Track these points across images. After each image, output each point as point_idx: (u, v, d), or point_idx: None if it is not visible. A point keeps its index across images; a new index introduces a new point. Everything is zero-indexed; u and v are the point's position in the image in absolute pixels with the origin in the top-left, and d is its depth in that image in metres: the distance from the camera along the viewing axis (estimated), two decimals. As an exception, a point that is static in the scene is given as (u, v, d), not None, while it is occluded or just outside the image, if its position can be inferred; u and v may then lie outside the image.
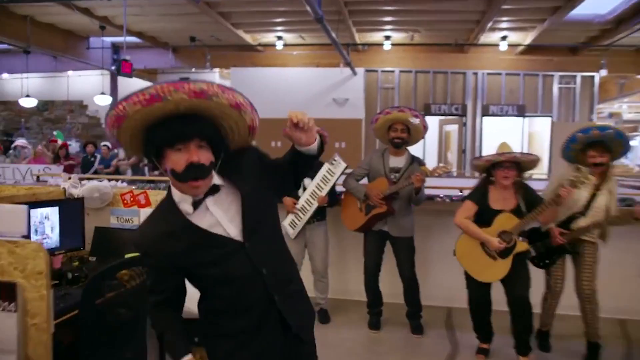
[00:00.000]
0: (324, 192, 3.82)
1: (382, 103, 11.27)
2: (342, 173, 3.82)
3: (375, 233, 3.76)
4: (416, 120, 3.60)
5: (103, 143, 9.91)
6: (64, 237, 2.61)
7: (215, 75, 13.23)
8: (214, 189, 1.43)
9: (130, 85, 13.78)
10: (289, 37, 10.82)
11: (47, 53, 10.80)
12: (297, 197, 3.93)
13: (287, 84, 11.20)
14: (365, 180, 3.86)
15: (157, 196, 3.03)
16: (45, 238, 2.50)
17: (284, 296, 1.50)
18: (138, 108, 1.26)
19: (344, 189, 3.92)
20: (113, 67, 10.39)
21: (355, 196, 3.76)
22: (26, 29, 9.36)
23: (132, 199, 3.07)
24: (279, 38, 10.62)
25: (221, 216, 1.43)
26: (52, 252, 2.55)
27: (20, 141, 9.72)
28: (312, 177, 3.93)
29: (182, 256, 1.42)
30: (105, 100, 11.35)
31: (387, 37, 10.36)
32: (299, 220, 3.90)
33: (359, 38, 10.45)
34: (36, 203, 2.50)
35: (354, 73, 10.95)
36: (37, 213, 2.46)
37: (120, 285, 2.35)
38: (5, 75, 14.24)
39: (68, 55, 10.69)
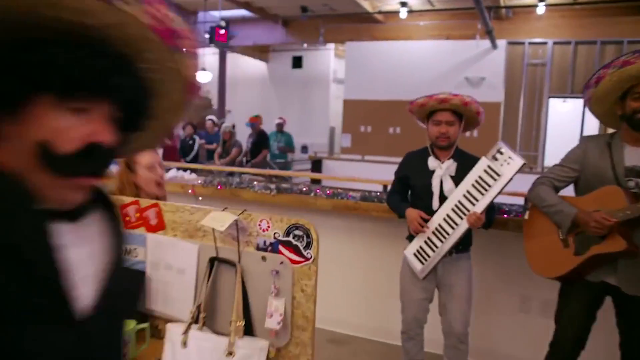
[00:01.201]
0: (479, 207, 2.23)
1: (528, 83, 9.14)
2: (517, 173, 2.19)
3: (589, 286, 2.08)
4: None
5: (208, 117, 9.09)
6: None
7: (329, 53, 11.95)
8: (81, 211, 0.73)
9: (240, 62, 13.14)
10: (415, 3, 9.13)
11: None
12: (428, 210, 2.41)
13: (411, 60, 9.53)
14: (569, 190, 2.20)
15: (175, 213, 1.69)
16: None
17: None
18: None
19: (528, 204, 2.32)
20: (206, 35, 9.20)
21: (554, 221, 2.11)
22: (132, 1, 8.78)
23: (137, 215, 1.75)
24: (403, 4, 8.97)
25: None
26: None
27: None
28: (456, 180, 2.38)
29: None
30: (205, 77, 10.55)
31: (542, -2, 8.23)
32: (433, 250, 2.36)
33: (503, 0, 8.43)
34: None
35: (494, 46, 8.94)
36: None
37: None
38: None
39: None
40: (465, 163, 2.41)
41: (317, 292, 1.49)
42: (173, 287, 1.69)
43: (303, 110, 12.37)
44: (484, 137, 8.91)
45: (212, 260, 1.59)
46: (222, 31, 6.81)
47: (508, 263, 2.92)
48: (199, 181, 3.70)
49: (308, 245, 1.50)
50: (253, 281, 1.55)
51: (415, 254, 2.46)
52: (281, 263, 1.51)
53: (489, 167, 2.21)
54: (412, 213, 2.47)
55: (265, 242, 1.56)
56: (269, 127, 9.34)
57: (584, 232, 1.98)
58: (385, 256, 3.19)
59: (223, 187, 3.57)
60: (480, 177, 2.25)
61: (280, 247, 1.53)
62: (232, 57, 12.21)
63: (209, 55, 12.41)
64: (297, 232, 1.52)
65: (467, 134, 2.76)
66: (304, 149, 12.23)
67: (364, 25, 9.95)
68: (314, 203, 3.30)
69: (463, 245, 2.46)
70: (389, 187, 2.95)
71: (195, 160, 8.76)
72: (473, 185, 2.27)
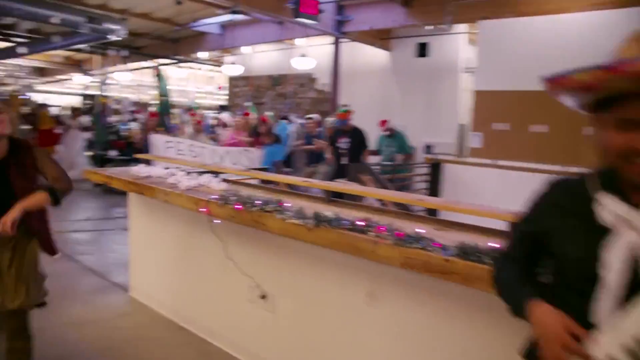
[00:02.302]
0: None
1: None
2: None
3: None
4: None
5: (308, 116, 8.06)
6: None
7: (460, 38, 10.14)
8: None
9: (358, 51, 11.84)
10: (574, -37, 7.05)
11: (259, 14, 9.48)
12: (583, 318, 0.92)
13: (564, 40, 7.42)
14: None
15: None
16: None
17: None
18: None
19: None
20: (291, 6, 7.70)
21: None
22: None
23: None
24: (557, -34, 6.95)
25: None
26: None
27: (224, 115, 8.65)
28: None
29: None
30: (308, 64, 9.53)
31: None
32: None
33: None
34: None
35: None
36: None
37: None
38: (245, 49, 13.96)
39: (281, 16, 9.14)
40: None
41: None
42: None
43: (428, 105, 10.75)
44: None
45: None
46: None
47: None
48: (215, 196, 2.53)
49: None
50: None
51: None
52: None
53: None
54: (551, 319, 1.02)
55: None
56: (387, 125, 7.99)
57: None
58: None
59: (243, 208, 2.35)
60: None
61: None
62: (350, 47, 11.01)
63: (327, 46, 11.37)
64: None
65: None
66: (428, 149, 10.62)
67: (503, -2, 8.06)
68: (373, 252, 1.91)
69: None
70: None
71: (288, 160, 7.74)
72: None
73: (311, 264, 2.54)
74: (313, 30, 9.85)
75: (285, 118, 10.29)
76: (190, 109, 11.64)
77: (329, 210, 2.24)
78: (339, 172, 6.71)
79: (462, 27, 9.81)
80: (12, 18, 10.90)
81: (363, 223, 1.99)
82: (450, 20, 8.16)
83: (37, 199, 2.19)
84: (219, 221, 2.60)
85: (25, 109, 13.62)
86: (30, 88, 21.38)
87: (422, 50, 10.70)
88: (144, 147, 7.91)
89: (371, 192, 2.72)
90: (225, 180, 3.15)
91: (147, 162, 3.94)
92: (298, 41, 12.30)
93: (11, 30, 11.74)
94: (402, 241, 1.82)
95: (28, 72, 20.19)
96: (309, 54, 11.02)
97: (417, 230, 1.88)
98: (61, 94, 22.01)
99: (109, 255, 5.20)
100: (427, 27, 9.39)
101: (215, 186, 2.87)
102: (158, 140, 7.49)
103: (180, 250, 3.46)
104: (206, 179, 3.02)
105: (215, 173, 3.24)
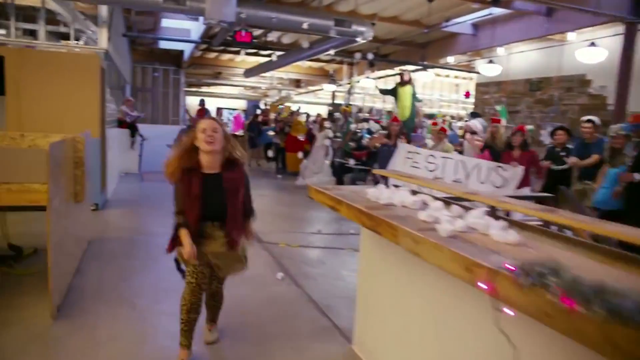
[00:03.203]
0: None
1: None
2: None
3: None
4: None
5: (585, 118, 6.16)
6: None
7: None
8: None
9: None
10: None
11: (523, 4, 7.83)
12: None
13: None
14: None
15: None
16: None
17: None
18: None
19: None
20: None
21: None
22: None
23: None
24: None
25: None
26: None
27: (473, 122, 7.33)
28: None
29: None
30: (595, 56, 7.50)
31: None
32: None
33: None
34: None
35: None
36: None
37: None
38: (499, 51, 12.28)
39: (553, 2, 7.35)
40: None
41: None
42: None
43: None
44: None
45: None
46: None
47: None
48: (509, 265, 1.31)
49: None
50: None
51: None
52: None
53: None
54: None
55: None
56: None
57: None
58: None
59: (582, 305, 1.08)
60: None
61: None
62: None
63: (611, 38, 8.99)
64: None
65: None
66: None
67: None
68: None
69: None
70: None
71: (567, 179, 5.96)
72: None
73: None
74: (596, 17, 7.74)
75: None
76: (432, 117, 10.61)
77: None
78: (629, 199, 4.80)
79: None
80: (276, 32, 11.63)
81: None
82: None
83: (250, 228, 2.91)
84: (513, 313, 1.39)
85: (276, 117, 14.50)
86: (288, 98, 23.48)
87: None
88: (381, 157, 7.15)
89: None
90: (506, 220, 1.91)
91: (387, 180, 2.96)
92: (569, 36, 10.12)
93: (272, 45, 12.61)
94: None
95: (287, 84, 22.16)
96: (582, 50, 8.80)
97: None
98: (313, 104, 23.56)
99: (335, 283, 4.44)
100: None
101: (499, 236, 1.66)
102: (403, 148, 6.61)
103: (429, 317, 2.34)
104: (478, 217, 1.84)
105: (496, 210, 2.01)
